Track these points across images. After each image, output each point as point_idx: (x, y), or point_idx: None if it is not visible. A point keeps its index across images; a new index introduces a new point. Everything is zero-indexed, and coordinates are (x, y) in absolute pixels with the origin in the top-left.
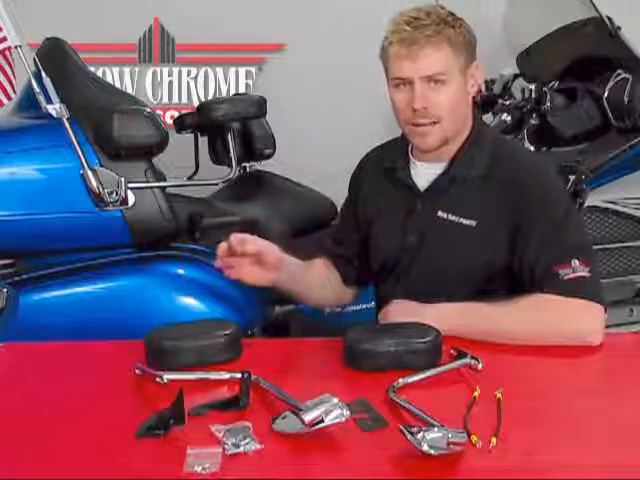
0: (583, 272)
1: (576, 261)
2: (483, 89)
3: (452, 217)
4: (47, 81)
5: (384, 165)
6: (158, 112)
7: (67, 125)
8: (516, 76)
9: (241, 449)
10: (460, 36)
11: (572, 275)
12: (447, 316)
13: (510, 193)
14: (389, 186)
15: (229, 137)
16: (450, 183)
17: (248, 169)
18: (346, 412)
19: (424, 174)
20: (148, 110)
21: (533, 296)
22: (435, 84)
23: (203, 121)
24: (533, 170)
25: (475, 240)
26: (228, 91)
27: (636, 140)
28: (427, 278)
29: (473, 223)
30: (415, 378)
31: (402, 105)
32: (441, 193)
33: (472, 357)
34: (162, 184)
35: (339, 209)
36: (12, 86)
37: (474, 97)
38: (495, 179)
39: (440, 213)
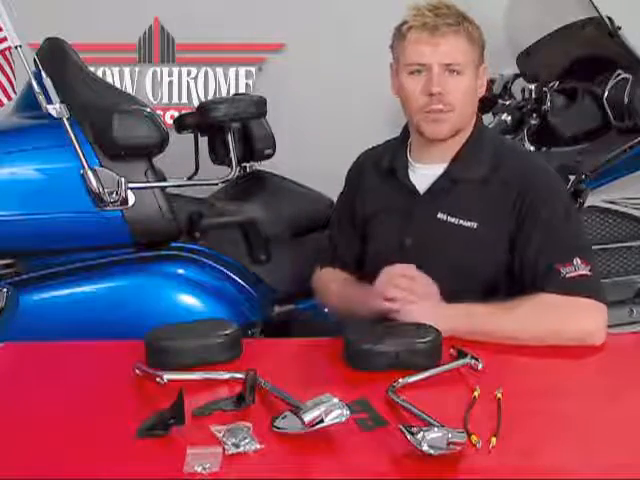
0: (584, 270)
1: (578, 260)
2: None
3: (452, 219)
4: (47, 81)
5: (383, 165)
6: (158, 112)
7: (67, 125)
8: (516, 76)
9: (241, 449)
10: (476, 33)
11: (574, 273)
12: (447, 317)
13: (514, 193)
14: (388, 187)
15: (229, 137)
16: (451, 184)
17: (248, 169)
18: (346, 412)
19: (423, 176)
20: (148, 110)
21: (534, 297)
22: (452, 73)
23: (203, 121)
24: (537, 170)
25: (476, 242)
26: (228, 91)
27: (636, 140)
28: None
29: (474, 225)
30: (415, 378)
31: (416, 92)
32: (441, 195)
33: (472, 357)
34: (162, 184)
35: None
36: (12, 86)
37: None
38: (497, 180)
39: (439, 215)
